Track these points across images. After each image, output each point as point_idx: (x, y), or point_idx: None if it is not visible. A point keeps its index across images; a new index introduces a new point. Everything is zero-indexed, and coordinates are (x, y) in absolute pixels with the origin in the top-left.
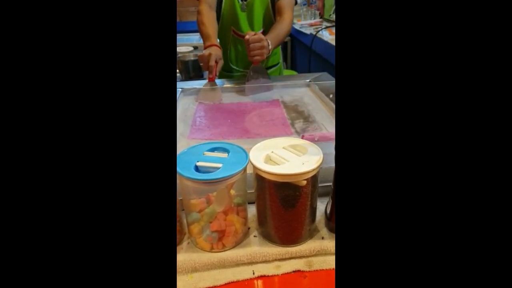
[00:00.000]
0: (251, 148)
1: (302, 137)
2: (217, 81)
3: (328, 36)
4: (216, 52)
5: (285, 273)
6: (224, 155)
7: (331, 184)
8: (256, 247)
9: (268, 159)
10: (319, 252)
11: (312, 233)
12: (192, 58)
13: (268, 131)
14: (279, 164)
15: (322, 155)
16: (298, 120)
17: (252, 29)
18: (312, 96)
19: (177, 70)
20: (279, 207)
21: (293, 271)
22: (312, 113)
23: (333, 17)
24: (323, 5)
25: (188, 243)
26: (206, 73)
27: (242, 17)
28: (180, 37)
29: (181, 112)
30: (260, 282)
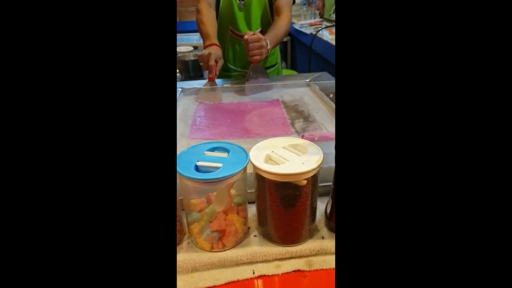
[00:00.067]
0: (251, 148)
1: (302, 137)
2: (217, 81)
3: (328, 36)
4: (216, 51)
5: (285, 273)
6: (224, 154)
7: (331, 184)
8: (256, 246)
9: (268, 159)
10: (319, 252)
11: (312, 233)
12: (192, 58)
13: (268, 131)
14: (279, 164)
15: (322, 155)
16: (298, 120)
17: (250, 29)
18: (312, 96)
19: (177, 70)
20: (279, 206)
21: (293, 271)
22: (312, 113)
23: (333, 17)
24: (323, 5)
25: (188, 242)
26: (206, 73)
27: (240, 16)
28: (180, 37)
29: (181, 112)
30: (260, 281)
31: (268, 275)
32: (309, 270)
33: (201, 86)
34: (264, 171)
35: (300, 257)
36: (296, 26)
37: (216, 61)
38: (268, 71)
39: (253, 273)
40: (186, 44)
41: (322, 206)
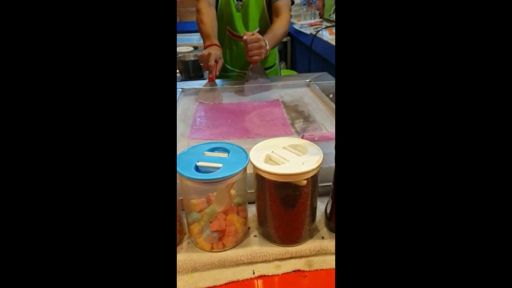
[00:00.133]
0: (251, 148)
1: (302, 137)
2: (217, 81)
3: (328, 36)
4: (216, 51)
5: (285, 273)
6: (224, 155)
7: (331, 184)
8: (256, 247)
9: (268, 159)
10: (319, 252)
11: (312, 233)
12: (192, 58)
13: (268, 131)
14: (279, 164)
15: (322, 155)
16: (298, 120)
17: (247, 30)
18: (312, 96)
19: (177, 70)
20: (279, 207)
21: (293, 271)
22: (312, 113)
23: (333, 17)
24: (323, 5)
25: (188, 243)
26: (206, 73)
27: (237, 17)
28: (180, 37)
29: (181, 112)
30: (260, 281)
31: (268, 275)
32: (309, 270)
33: (201, 87)
34: (264, 171)
35: (300, 257)
36: (296, 26)
37: (216, 61)
38: (267, 72)
39: (253, 273)
40: (186, 44)
41: (322, 206)
